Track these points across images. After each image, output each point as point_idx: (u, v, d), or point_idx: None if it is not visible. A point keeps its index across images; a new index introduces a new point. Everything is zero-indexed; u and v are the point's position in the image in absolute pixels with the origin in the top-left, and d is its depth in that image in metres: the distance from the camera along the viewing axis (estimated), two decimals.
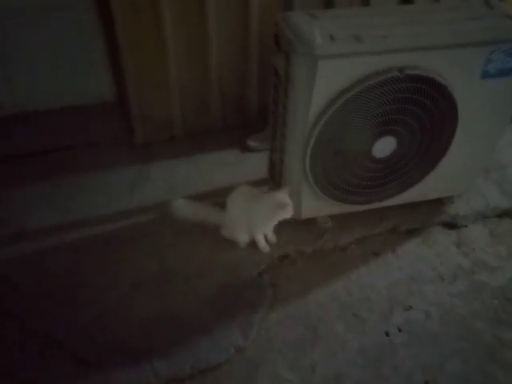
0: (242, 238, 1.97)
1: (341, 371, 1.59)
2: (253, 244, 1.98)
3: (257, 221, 1.88)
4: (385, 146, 1.77)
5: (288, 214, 1.79)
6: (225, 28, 2.27)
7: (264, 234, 1.98)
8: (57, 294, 1.81)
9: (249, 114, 2.55)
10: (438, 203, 2.16)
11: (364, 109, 1.63)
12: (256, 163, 2.36)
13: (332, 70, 1.54)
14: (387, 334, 1.70)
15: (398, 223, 2.10)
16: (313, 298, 1.82)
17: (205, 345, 1.65)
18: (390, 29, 1.57)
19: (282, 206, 1.77)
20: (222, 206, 1.98)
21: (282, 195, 1.79)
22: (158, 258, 1.96)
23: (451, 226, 2.12)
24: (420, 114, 1.70)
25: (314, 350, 1.65)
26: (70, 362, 1.59)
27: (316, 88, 1.56)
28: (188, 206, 2.06)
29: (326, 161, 1.76)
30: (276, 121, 1.87)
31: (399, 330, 1.71)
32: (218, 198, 2.10)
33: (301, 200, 1.90)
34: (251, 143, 2.47)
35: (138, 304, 1.77)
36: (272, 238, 2.01)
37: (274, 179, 2.09)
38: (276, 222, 1.85)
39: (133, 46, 2.17)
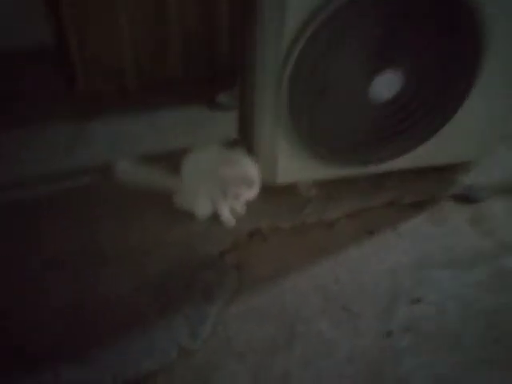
0: (202, 209, 1.48)
1: None
2: (215, 217, 1.51)
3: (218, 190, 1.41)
4: (386, 86, 1.28)
5: (251, 194, 1.37)
6: None
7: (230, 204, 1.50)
8: None
9: (218, 64, 2.05)
10: (449, 172, 1.70)
11: (351, 29, 1.15)
12: (226, 122, 1.87)
13: None
14: (388, 335, 1.23)
15: (398, 195, 1.63)
16: (290, 285, 1.34)
17: (137, 346, 1.16)
18: None
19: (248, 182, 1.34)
20: (179, 169, 1.50)
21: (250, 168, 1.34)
22: (90, 230, 1.47)
23: (465, 200, 1.65)
24: (430, 37, 1.23)
25: (289, 356, 1.17)
26: None
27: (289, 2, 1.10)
28: (135, 169, 1.58)
29: (310, 102, 1.27)
30: (244, 51, 1.39)
31: (405, 331, 1.25)
32: (176, 160, 1.61)
33: (276, 159, 1.42)
34: (222, 99, 1.99)
35: (50, 290, 1.28)
36: (240, 209, 1.54)
37: (244, 139, 1.60)
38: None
39: None
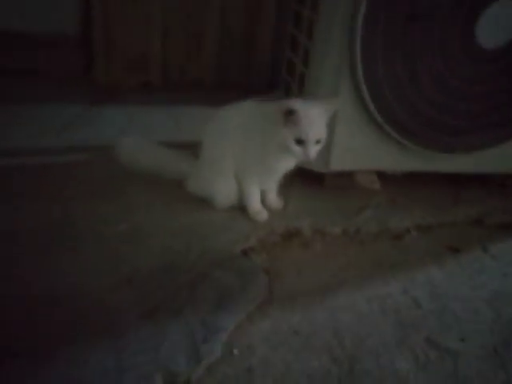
0: (223, 195, 1.07)
1: None
2: (239, 208, 1.09)
3: (254, 156, 0.99)
4: (498, 25, 0.92)
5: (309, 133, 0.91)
6: None
7: (263, 190, 1.08)
8: None
9: (258, 68, 1.75)
10: None
11: None
12: None
13: None
14: None
15: (483, 212, 1.20)
16: (345, 303, 0.87)
17: (98, 364, 0.69)
18: None
19: (287, 111, 0.89)
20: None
21: (301, 100, 0.93)
22: (72, 209, 1.06)
23: None
24: None
25: None
26: None
27: None
28: (141, 146, 1.21)
29: (392, 38, 0.90)
30: None
31: None
32: (192, 150, 1.23)
33: (332, 133, 1.03)
34: None
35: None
36: (276, 201, 1.11)
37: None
38: (289, 162, 0.98)
39: None
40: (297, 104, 0.89)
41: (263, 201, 1.09)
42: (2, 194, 1.09)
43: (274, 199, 1.10)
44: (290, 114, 0.89)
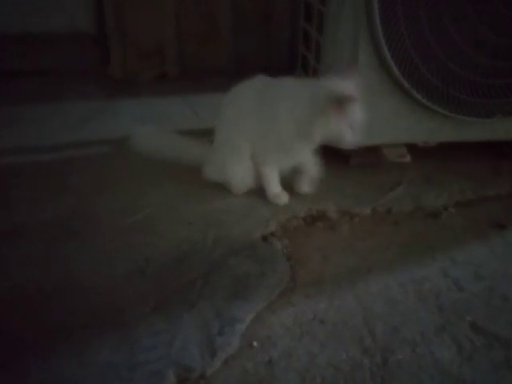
0: (239, 179, 1.00)
1: None
2: (258, 192, 1.02)
3: (280, 140, 0.92)
4: None
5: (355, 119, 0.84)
6: None
7: (281, 171, 1.01)
8: None
9: (276, 46, 1.67)
10: None
11: None
12: None
13: None
14: None
15: None
16: (376, 289, 0.79)
17: (106, 357, 0.65)
18: None
19: (345, 100, 0.81)
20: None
21: (342, 83, 0.84)
22: (88, 202, 1.02)
23: None
24: None
25: None
26: None
27: None
28: (155, 136, 1.16)
29: None
30: None
31: None
32: (209, 137, 1.16)
33: None
34: None
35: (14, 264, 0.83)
36: (307, 185, 1.02)
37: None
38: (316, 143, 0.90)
39: None
40: (347, 90, 0.81)
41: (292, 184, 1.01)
42: (22, 188, 1.07)
43: (307, 182, 1.01)
44: (344, 102, 0.81)
